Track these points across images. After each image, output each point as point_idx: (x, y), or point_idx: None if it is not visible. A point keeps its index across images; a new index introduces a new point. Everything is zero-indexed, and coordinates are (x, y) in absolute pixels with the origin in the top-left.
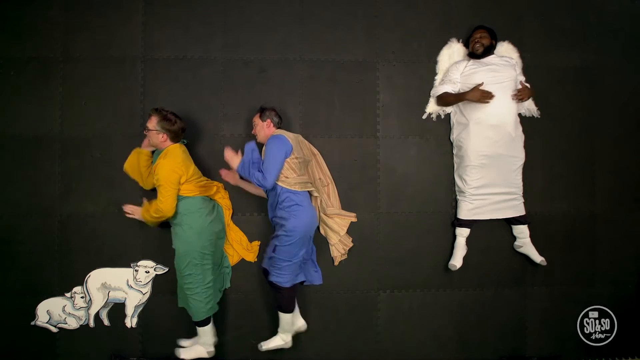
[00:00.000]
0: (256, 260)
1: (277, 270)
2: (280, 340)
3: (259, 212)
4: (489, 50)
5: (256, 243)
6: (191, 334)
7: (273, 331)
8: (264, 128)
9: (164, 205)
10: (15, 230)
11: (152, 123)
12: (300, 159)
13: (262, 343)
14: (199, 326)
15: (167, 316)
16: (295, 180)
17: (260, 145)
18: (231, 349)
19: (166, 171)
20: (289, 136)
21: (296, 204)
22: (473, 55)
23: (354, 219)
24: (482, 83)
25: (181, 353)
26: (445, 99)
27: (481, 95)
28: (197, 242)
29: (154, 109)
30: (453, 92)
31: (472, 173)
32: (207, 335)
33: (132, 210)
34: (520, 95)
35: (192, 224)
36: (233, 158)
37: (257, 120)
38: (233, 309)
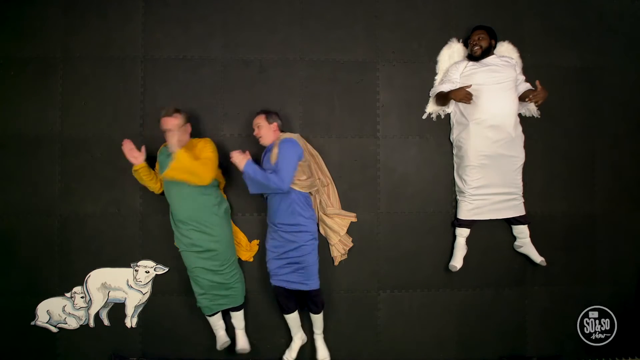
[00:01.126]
0: (252, 260)
1: (314, 276)
2: (324, 345)
3: (259, 212)
4: (487, 52)
5: (255, 242)
6: (192, 333)
7: (273, 331)
8: (270, 130)
9: (209, 174)
10: (15, 230)
11: (180, 119)
12: (307, 162)
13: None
14: (240, 310)
15: (167, 316)
16: (306, 182)
17: (259, 148)
18: (230, 350)
19: (212, 149)
20: (298, 139)
21: (309, 206)
22: (472, 57)
23: (354, 219)
24: (471, 85)
25: (242, 346)
26: (439, 98)
27: (463, 95)
28: (230, 227)
29: (172, 109)
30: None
31: (472, 173)
32: (243, 317)
33: (173, 135)
34: (535, 98)
35: (227, 209)
36: (240, 158)
37: (262, 122)
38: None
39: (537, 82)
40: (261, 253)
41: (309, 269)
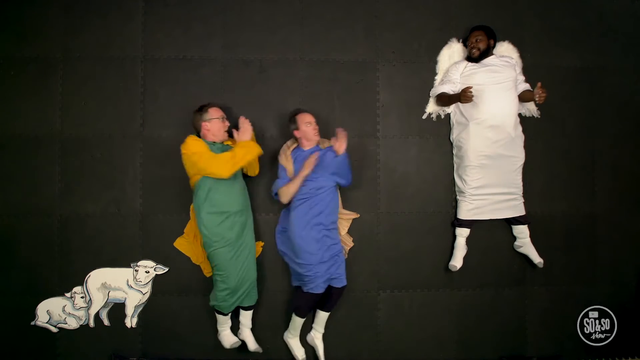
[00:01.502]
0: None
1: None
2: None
3: (259, 212)
4: (486, 53)
5: (260, 243)
6: (192, 333)
7: (274, 331)
8: None
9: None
10: (15, 230)
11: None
12: None
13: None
14: (252, 309)
15: (167, 316)
16: None
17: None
18: (231, 350)
19: None
20: None
21: None
22: (471, 58)
23: (356, 216)
24: (472, 87)
25: (255, 346)
26: (442, 99)
27: (464, 93)
28: None
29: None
30: (451, 93)
31: (472, 173)
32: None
33: (247, 129)
34: (541, 97)
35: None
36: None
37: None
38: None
39: (538, 84)
40: (261, 254)
41: (344, 264)
